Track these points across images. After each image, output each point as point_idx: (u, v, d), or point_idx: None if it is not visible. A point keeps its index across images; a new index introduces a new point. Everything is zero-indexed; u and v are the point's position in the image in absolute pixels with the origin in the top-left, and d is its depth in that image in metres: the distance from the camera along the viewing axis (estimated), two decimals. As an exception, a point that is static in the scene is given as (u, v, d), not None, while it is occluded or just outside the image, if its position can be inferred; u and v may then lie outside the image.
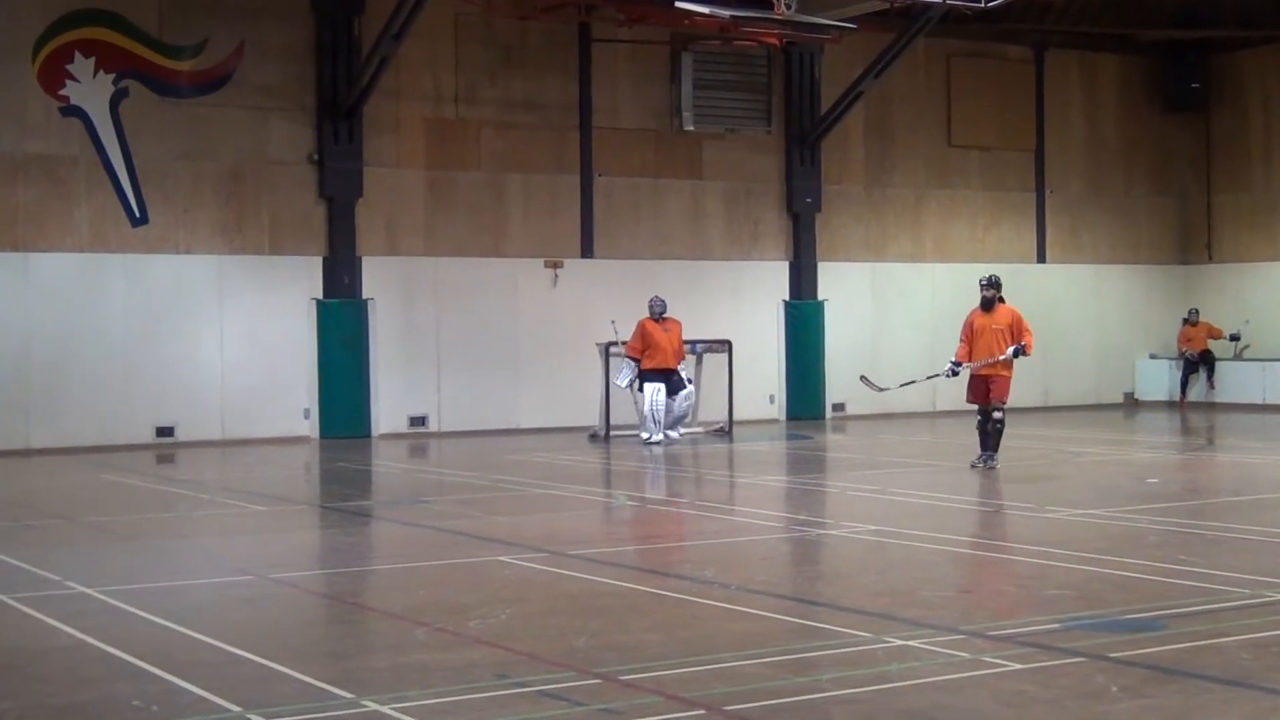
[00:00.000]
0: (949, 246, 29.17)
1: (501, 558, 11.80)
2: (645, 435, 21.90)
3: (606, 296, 25.25)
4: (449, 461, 20.81)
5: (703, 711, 7.07)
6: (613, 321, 22.85)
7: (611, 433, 23.17)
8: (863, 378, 20.62)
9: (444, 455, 21.81)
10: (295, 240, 23.74)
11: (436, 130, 24.69)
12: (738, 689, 7.45)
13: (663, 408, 22.00)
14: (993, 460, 17.60)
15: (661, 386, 22.03)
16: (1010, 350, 17.45)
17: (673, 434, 22.30)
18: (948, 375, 18.30)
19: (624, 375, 22.39)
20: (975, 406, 17.89)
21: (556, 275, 25.30)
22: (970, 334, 17.87)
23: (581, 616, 9.48)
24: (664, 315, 22.33)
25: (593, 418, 23.98)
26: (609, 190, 25.89)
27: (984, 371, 17.66)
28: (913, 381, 20.74)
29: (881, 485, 16.72)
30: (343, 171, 23.76)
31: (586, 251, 25.68)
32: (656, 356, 22.01)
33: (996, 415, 17.65)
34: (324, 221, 23.89)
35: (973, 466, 17.64)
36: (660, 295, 22.60)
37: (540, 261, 25.25)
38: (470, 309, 24.60)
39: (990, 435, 17.71)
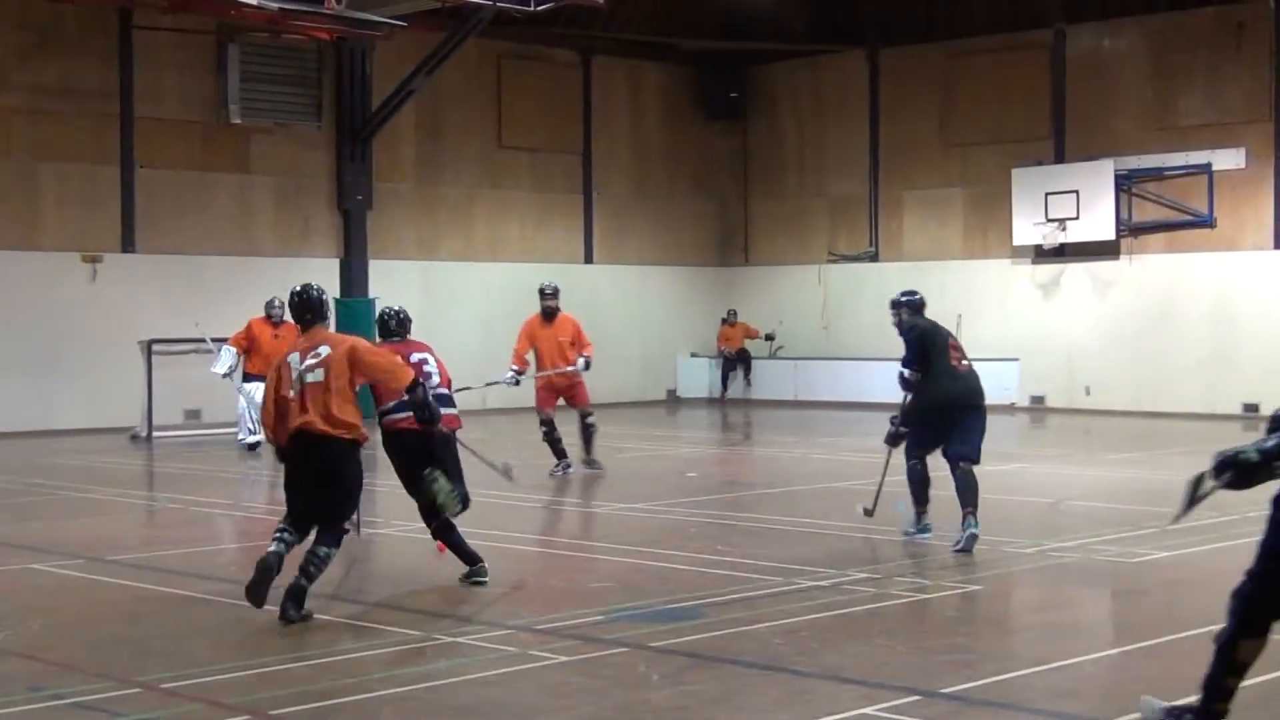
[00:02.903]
0: (500, 246, 29.47)
1: (35, 565, 11.29)
2: None
3: (150, 292, 24.44)
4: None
5: (248, 717, 6.96)
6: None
7: (154, 433, 22.44)
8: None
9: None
10: None
11: (-37, 115, 23.38)
12: (285, 692, 7.36)
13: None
14: (597, 464, 17.31)
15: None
16: (581, 363, 17.16)
17: None
18: (510, 383, 17.46)
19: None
20: (544, 414, 17.25)
21: (96, 270, 24.29)
22: (531, 343, 17.40)
23: (122, 624, 9.17)
24: (282, 320, 19.74)
25: (135, 417, 23.16)
26: (151, 182, 24.99)
27: (557, 380, 17.30)
28: (468, 388, 19.61)
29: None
30: None
31: (128, 246, 24.73)
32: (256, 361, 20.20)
33: (590, 420, 17.41)
34: None
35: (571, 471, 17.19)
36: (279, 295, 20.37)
37: (77, 255, 24.19)
38: (2, 304, 23.31)
39: (585, 440, 17.38)
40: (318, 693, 7.33)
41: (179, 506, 15.30)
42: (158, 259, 24.85)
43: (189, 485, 17.23)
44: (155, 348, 23.33)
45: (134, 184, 24.78)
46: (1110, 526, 12.89)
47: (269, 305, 20.49)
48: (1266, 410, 29.52)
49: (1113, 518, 13.59)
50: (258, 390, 20.17)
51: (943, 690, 7.34)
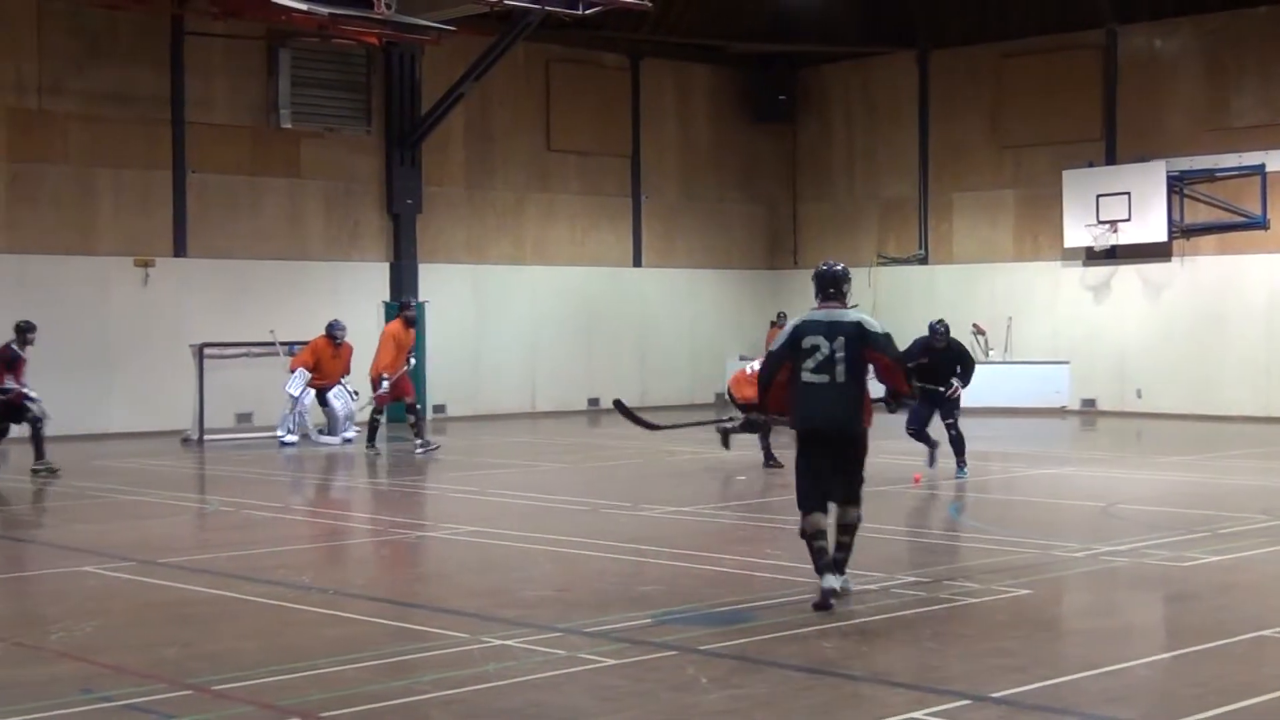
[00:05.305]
0: (549, 249, 29.51)
1: (86, 568, 11.37)
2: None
3: (201, 297, 24.60)
4: (29, 466, 19.81)
5: (298, 719, 6.99)
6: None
7: (206, 436, 22.58)
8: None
9: (25, 459, 20.76)
10: None
11: (19, 121, 23.53)
12: (335, 694, 7.39)
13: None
14: (432, 446, 20.93)
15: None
16: (383, 385, 21.10)
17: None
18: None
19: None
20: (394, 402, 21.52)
21: (148, 274, 24.46)
22: (396, 348, 21.25)
23: (172, 626, 9.23)
24: (342, 340, 22.77)
25: (186, 421, 23.29)
26: (203, 187, 25.16)
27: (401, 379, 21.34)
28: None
29: (480, 486, 16.82)
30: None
31: (179, 250, 24.90)
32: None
33: (416, 408, 21.41)
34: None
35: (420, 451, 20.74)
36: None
37: (130, 259, 24.37)
38: (57, 308, 23.43)
39: (413, 427, 21.16)
40: (367, 695, 7.35)
41: (230, 509, 15.40)
42: (209, 263, 25.01)
43: (239, 488, 17.34)
44: (206, 351, 23.44)
45: (185, 189, 24.95)
46: (1161, 530, 12.80)
47: (331, 326, 22.72)
48: (1321, 413, 28.45)
49: (1164, 521, 13.49)
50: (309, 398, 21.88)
51: (993, 695, 7.30)
